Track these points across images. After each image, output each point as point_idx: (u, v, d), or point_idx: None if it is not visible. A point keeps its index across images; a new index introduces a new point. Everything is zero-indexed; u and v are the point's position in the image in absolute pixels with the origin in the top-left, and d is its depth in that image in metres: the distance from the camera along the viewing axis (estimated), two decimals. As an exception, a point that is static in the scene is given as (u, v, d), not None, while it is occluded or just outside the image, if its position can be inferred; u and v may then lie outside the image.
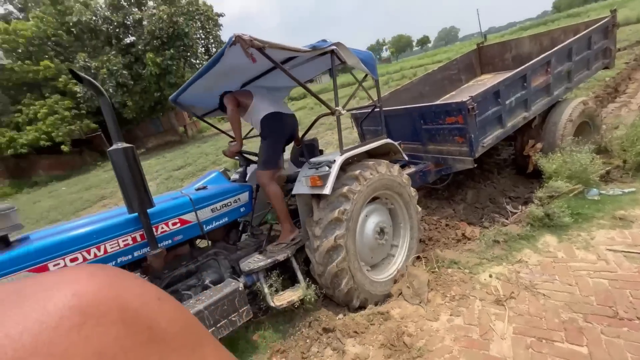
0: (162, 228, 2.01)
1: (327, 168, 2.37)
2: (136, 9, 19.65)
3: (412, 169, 3.55)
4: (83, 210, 9.01)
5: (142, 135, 24.11)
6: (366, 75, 2.77)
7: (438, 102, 4.77)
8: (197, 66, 21.09)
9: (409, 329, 2.06)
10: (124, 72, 17.93)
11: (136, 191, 1.78)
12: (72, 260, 1.68)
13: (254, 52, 1.92)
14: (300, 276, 2.41)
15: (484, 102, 3.24)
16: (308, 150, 3.13)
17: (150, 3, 20.59)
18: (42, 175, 19.85)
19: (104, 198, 10.08)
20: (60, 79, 19.44)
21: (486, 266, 2.48)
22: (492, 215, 3.54)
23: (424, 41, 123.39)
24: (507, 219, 3.35)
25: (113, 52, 18.44)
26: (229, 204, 2.38)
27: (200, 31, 22.67)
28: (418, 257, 2.89)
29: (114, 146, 1.74)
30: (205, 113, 3.52)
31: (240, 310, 2.07)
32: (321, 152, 3.38)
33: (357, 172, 2.45)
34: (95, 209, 8.78)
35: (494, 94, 3.33)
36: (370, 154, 2.98)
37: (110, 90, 17.80)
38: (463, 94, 4.78)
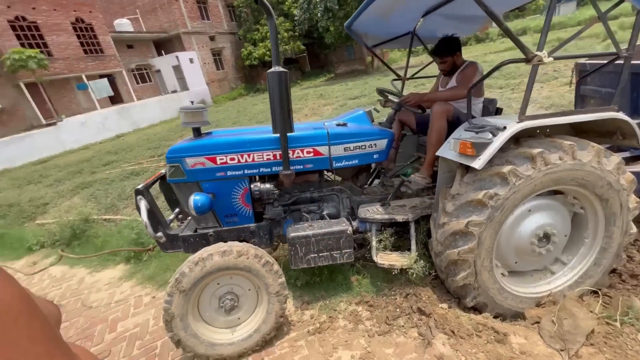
0: (297, 154, 2.18)
1: (489, 135, 1.80)
2: None
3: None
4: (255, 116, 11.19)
5: (335, 61, 26.26)
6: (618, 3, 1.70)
7: None
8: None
9: (525, 369, 1.56)
10: (334, -4, 18.98)
11: (281, 115, 1.93)
12: (231, 160, 2.12)
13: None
14: (413, 246, 2.17)
15: None
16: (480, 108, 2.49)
17: None
18: (262, 84, 25.66)
19: (293, 111, 12.13)
20: (286, 3, 22.84)
21: None
22: None
23: None
24: None
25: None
26: (363, 147, 2.27)
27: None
28: (594, 293, 2.02)
29: (272, 69, 1.87)
30: (377, 43, 3.28)
31: (342, 250, 2.12)
32: (498, 112, 2.61)
33: (537, 150, 1.74)
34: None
35: None
36: (579, 130, 2.05)
37: (318, 14, 19.51)
38: None
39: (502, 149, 1.83)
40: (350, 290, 2.34)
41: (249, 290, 1.96)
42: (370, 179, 3.00)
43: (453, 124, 2.24)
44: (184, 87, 21.73)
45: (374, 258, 2.18)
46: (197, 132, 2.21)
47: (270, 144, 2.13)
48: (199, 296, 1.87)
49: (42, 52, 14.72)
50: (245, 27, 24.99)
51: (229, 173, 2.15)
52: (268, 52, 23.16)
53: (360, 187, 2.61)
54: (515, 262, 2.11)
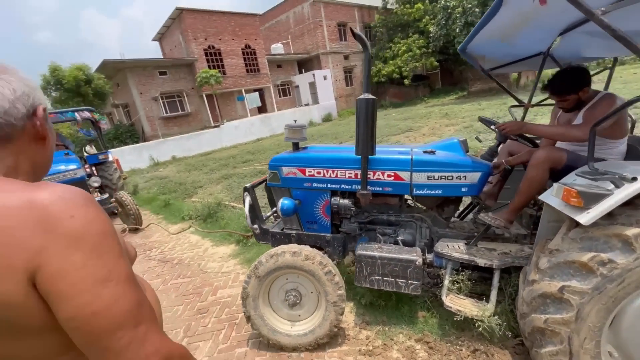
0: (377, 175, 2.24)
1: (610, 185, 1.43)
2: None
3: None
4: (391, 136, 11.20)
5: (470, 77, 24.04)
6: None
7: None
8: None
9: None
10: (477, 10, 17.59)
11: (364, 138, 2.05)
12: (317, 173, 2.38)
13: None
14: (493, 297, 1.90)
15: None
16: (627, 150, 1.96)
17: None
18: (387, 101, 25.94)
19: (410, 130, 11.83)
20: (423, 20, 22.50)
21: None
22: None
23: None
24: None
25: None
26: (450, 177, 2.13)
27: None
28: None
29: (362, 96, 2.02)
30: (497, 66, 2.98)
31: (408, 281, 2.06)
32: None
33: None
34: (400, 137, 10.63)
35: None
36: None
37: (457, 29, 18.43)
38: None
39: (633, 205, 1.43)
40: (413, 324, 2.22)
41: (312, 292, 2.15)
42: (464, 213, 2.76)
43: (566, 172, 1.83)
44: (315, 100, 24.26)
45: (443, 298, 2.01)
46: (295, 146, 2.58)
47: (352, 164, 2.28)
48: (270, 285, 2.18)
49: (219, 71, 19.39)
50: (378, 46, 25.97)
51: (314, 185, 2.42)
52: (396, 70, 23.33)
53: (445, 219, 2.44)
54: (647, 362, 1.56)
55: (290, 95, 26.53)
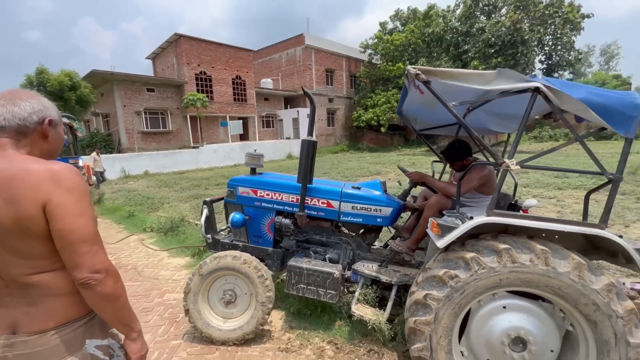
0: (314, 202, 2.77)
1: (458, 222, 2.03)
2: (484, 17, 20.38)
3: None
4: (360, 177, 12.01)
5: (441, 134, 26.30)
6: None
7: None
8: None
9: None
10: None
11: (304, 170, 2.60)
12: (266, 195, 2.87)
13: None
14: (388, 307, 2.38)
15: None
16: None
17: (503, 10, 20.49)
18: (364, 145, 27.52)
19: (379, 173, 12.76)
20: (402, 78, 24.92)
21: None
22: None
23: None
24: None
25: (446, 58, 20.79)
26: (369, 209, 2.69)
27: (549, 37, 19.86)
28: None
29: (306, 137, 2.60)
30: (425, 128, 3.73)
31: (327, 290, 2.50)
32: (510, 208, 2.65)
33: (503, 246, 1.88)
34: (367, 179, 11.44)
35: None
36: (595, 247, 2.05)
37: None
38: None
39: (477, 238, 2.02)
40: (329, 330, 2.62)
41: (246, 294, 2.53)
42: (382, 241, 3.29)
43: None
44: (297, 136, 25.33)
45: (352, 306, 2.46)
46: (252, 171, 3.09)
47: (295, 190, 2.80)
48: (211, 284, 2.54)
49: (207, 96, 20.12)
50: (361, 94, 28.11)
51: (263, 204, 2.90)
52: (375, 118, 25.17)
53: (367, 244, 2.97)
54: (487, 359, 2.06)
55: (273, 127, 27.53)
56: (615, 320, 1.77)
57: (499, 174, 1.96)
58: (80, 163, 6.96)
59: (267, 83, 26.85)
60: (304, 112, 25.22)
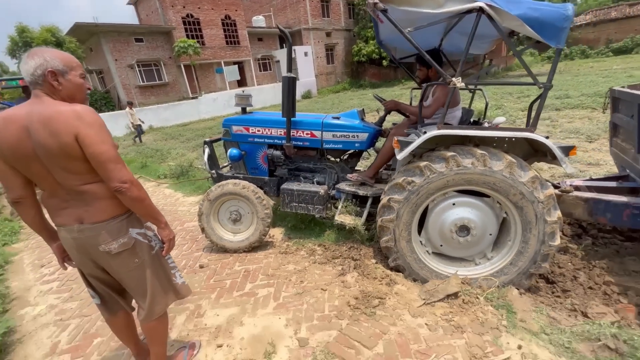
0: (298, 133, 3.14)
1: (415, 137, 2.39)
2: None
3: (599, 196, 2.35)
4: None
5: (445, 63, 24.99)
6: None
7: None
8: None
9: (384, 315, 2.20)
10: None
11: (287, 105, 2.91)
12: (257, 131, 3.24)
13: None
14: (364, 214, 2.90)
15: None
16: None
17: None
18: (365, 81, 26.57)
19: (381, 109, 12.74)
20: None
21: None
22: None
23: None
24: None
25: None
26: (347, 136, 3.05)
27: None
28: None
29: (285, 74, 2.86)
30: (405, 56, 3.86)
31: (315, 206, 3.02)
32: (476, 123, 2.96)
33: (450, 153, 2.27)
34: (368, 117, 11.51)
35: None
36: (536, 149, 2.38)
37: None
38: None
39: (433, 150, 2.41)
40: (319, 237, 3.22)
41: (248, 213, 3.08)
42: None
43: None
44: (296, 77, 24.56)
45: (336, 216, 2.99)
46: (243, 110, 3.42)
47: (282, 124, 3.15)
48: (219, 207, 3.09)
49: (198, 42, 19.24)
50: (360, 25, 26.18)
51: (255, 139, 3.29)
52: (377, 50, 23.83)
53: (350, 168, 3.40)
54: (441, 245, 2.60)
55: (270, 70, 26.56)
56: (537, 204, 2.21)
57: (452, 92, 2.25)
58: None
59: (259, 21, 25.16)
60: (301, 51, 24.03)
